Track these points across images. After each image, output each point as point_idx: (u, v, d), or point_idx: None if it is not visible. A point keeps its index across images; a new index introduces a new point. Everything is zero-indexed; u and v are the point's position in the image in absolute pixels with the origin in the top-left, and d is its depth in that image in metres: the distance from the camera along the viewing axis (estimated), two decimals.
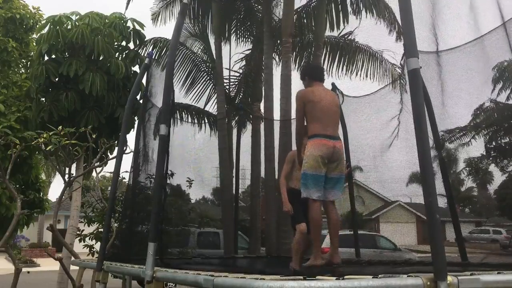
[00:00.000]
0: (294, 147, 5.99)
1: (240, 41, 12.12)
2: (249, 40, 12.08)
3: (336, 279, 2.51)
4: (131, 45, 9.63)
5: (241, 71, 12.23)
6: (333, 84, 7.28)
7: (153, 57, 6.56)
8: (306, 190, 4.02)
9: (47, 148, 6.31)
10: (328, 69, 11.07)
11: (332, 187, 4.12)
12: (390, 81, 10.54)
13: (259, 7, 11.43)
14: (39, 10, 11.58)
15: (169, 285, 9.67)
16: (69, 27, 8.81)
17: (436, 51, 4.95)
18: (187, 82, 12.00)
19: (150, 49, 11.43)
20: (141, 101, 7.97)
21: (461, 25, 4.90)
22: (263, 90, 10.46)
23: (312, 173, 3.98)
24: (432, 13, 4.66)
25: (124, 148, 6.45)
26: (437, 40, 4.84)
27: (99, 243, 8.18)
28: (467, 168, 29.55)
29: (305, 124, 4.26)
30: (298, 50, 11.41)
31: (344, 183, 6.50)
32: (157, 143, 6.28)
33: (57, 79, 8.73)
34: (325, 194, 4.08)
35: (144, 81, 6.69)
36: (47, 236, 26.68)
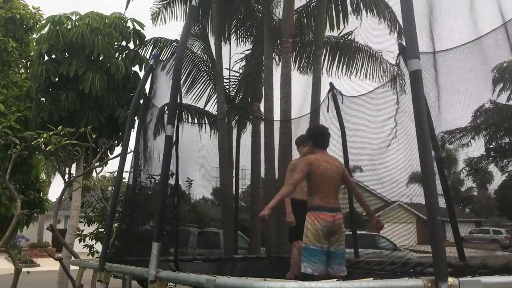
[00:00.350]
0: (294, 147, 6.00)
1: (240, 41, 12.13)
2: (249, 40, 12.08)
3: (337, 280, 2.52)
4: (131, 45, 9.63)
5: (241, 71, 12.23)
6: (331, 84, 7.30)
7: (158, 58, 6.55)
8: (308, 265, 3.89)
9: (47, 148, 6.31)
10: (328, 69, 11.09)
11: (339, 263, 3.99)
12: (387, 80, 10.54)
13: (259, 7, 11.43)
14: (39, 10, 11.58)
15: (169, 285, 9.68)
16: (69, 27, 8.81)
17: (433, 51, 4.95)
18: (187, 82, 12.00)
19: (150, 49, 11.44)
20: (141, 101, 7.98)
21: (459, 25, 4.91)
22: (263, 90, 10.47)
23: (313, 247, 3.89)
24: (429, 15, 4.66)
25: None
26: (434, 41, 4.84)
27: (99, 243, 8.20)
28: (467, 168, 29.58)
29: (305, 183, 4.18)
30: (298, 50, 11.42)
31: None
32: (157, 143, 6.31)
33: (57, 79, 8.73)
34: (334, 270, 3.94)
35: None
36: (47, 236, 26.68)
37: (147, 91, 6.72)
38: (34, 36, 10.87)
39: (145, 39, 10.25)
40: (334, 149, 6.88)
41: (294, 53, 11.03)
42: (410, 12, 2.77)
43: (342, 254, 4.01)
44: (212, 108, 11.84)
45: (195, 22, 11.80)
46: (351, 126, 7.02)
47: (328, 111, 7.13)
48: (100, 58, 8.90)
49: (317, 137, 4.36)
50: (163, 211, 4.08)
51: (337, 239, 3.97)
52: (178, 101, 5.10)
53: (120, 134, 9.06)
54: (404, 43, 4.09)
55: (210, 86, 12.03)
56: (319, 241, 3.88)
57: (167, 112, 5.84)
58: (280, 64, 9.68)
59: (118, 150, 9.12)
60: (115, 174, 6.60)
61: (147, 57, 10.54)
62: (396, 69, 10.76)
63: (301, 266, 4.13)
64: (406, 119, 5.79)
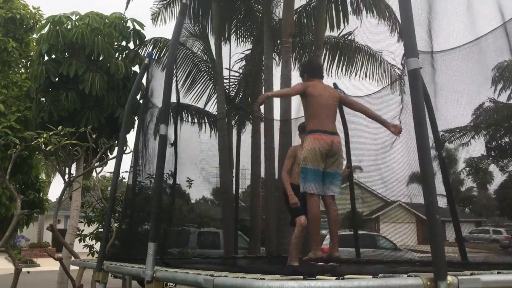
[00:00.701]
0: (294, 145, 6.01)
1: (240, 41, 12.13)
2: (249, 40, 12.08)
3: (336, 279, 2.51)
4: (131, 45, 9.64)
5: (241, 71, 12.24)
6: (334, 84, 7.29)
7: (152, 57, 6.55)
8: (305, 184, 4.09)
9: (47, 148, 6.30)
10: (328, 69, 11.08)
11: (330, 182, 4.18)
12: (390, 81, 10.55)
13: (259, 7, 11.43)
14: (39, 10, 11.59)
15: (169, 285, 9.68)
16: (69, 27, 8.82)
17: (431, 51, 4.96)
18: (187, 82, 12.00)
19: (150, 49, 11.44)
20: (141, 101, 7.98)
21: (458, 26, 4.91)
22: (263, 90, 10.46)
23: (311, 167, 4.05)
24: (428, 14, 4.67)
25: (124, 148, 6.45)
26: (432, 41, 4.85)
27: (99, 243, 8.20)
28: (467, 168, 29.56)
29: (304, 117, 4.37)
30: (298, 50, 11.41)
31: (344, 183, 6.53)
32: (155, 143, 6.31)
33: (57, 79, 8.73)
34: (324, 189, 4.14)
35: (144, 81, 6.69)
36: (47, 236, 26.68)
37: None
38: (34, 36, 10.88)
39: (145, 39, 10.26)
40: None
41: (294, 53, 11.04)
42: (408, 11, 2.77)
43: (337, 176, 4.21)
44: (212, 108, 11.85)
45: (194, 22, 11.81)
46: (354, 126, 7.02)
47: None
48: (100, 58, 8.91)
49: (312, 68, 4.70)
50: (159, 212, 4.08)
51: (334, 161, 4.15)
52: (176, 101, 5.10)
53: (120, 134, 9.05)
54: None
55: (210, 86, 12.03)
56: (317, 161, 4.05)
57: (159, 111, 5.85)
58: (280, 64, 9.68)
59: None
60: (113, 173, 6.60)
61: None
62: (396, 70, 10.79)
63: (298, 252, 4.23)
64: (410, 119, 5.79)
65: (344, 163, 5.99)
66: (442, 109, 5.37)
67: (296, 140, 7.59)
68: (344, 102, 4.60)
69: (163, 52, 11.59)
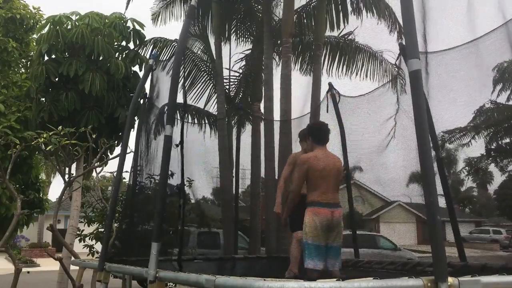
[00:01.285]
0: (294, 148, 6.01)
1: (240, 41, 12.13)
2: (249, 40, 12.08)
3: (336, 280, 2.52)
4: (131, 45, 9.63)
5: (241, 71, 12.23)
6: (330, 84, 7.30)
7: (157, 58, 6.56)
8: (310, 261, 3.93)
9: (47, 148, 6.31)
10: (328, 69, 11.08)
11: (333, 257, 4.04)
12: (387, 81, 10.54)
13: (259, 7, 11.43)
14: (39, 10, 11.58)
15: (169, 285, 9.67)
16: (69, 27, 8.81)
17: (425, 51, 4.95)
18: (187, 82, 11.99)
19: (150, 49, 11.44)
20: (141, 102, 7.97)
21: (458, 26, 4.91)
22: (263, 90, 10.46)
23: (313, 243, 3.94)
24: (423, 16, 4.66)
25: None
26: (426, 42, 4.84)
27: (99, 243, 8.20)
28: (467, 168, 29.57)
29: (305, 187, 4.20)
30: (298, 50, 11.41)
31: (342, 184, 6.53)
32: (158, 143, 6.31)
33: (57, 79, 8.73)
34: (328, 263, 4.00)
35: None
36: (47, 236, 26.68)
37: (147, 90, 6.73)
38: (34, 36, 10.88)
39: (145, 39, 10.25)
40: (333, 149, 6.90)
41: (294, 53, 11.04)
42: (409, 12, 2.77)
43: (338, 249, 4.08)
44: (212, 108, 11.85)
45: (194, 22, 11.81)
46: (351, 126, 7.02)
47: (327, 111, 7.13)
48: (100, 58, 8.91)
49: (316, 133, 4.40)
50: (163, 212, 4.08)
51: (336, 235, 4.02)
52: (183, 102, 5.11)
53: (120, 134, 9.06)
54: (404, 43, 4.10)
55: (210, 86, 12.03)
56: (318, 237, 3.93)
57: (166, 112, 5.84)
58: (280, 64, 9.68)
59: (118, 150, 9.12)
60: (115, 174, 6.61)
61: (147, 57, 10.54)
62: (396, 69, 10.79)
63: (299, 262, 4.19)
64: (406, 119, 5.80)
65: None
66: (442, 109, 5.37)
67: (295, 139, 7.60)
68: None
69: (163, 52, 11.59)
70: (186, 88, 11.97)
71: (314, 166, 4.07)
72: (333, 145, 6.88)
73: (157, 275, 3.67)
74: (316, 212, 3.97)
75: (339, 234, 4.04)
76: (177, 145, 4.42)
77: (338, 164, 4.26)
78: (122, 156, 5.86)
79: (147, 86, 6.60)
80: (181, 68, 11.41)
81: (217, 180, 10.11)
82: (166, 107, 6.09)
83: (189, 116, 11.53)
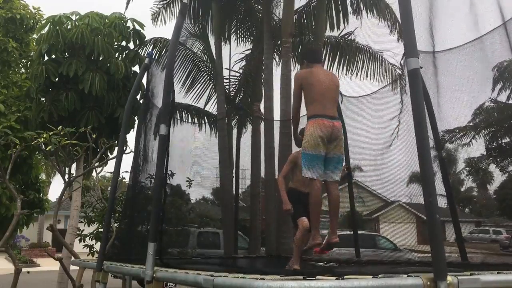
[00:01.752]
0: (294, 147, 6.01)
1: (240, 41, 12.13)
2: (249, 40, 12.08)
3: (336, 279, 2.52)
4: (131, 45, 9.63)
5: (241, 71, 12.23)
6: None
7: (153, 57, 6.56)
8: (307, 170, 4.07)
9: (47, 148, 6.30)
10: (328, 69, 11.06)
11: (333, 168, 4.17)
12: (390, 81, 10.54)
13: (259, 7, 11.43)
14: (39, 10, 11.59)
15: (169, 285, 9.68)
16: (69, 27, 8.81)
17: (433, 51, 4.96)
18: (187, 82, 12.00)
19: (150, 49, 11.44)
20: (141, 101, 7.98)
21: (460, 25, 4.91)
22: (263, 90, 10.46)
23: (312, 153, 4.05)
24: (429, 14, 4.67)
25: (124, 148, 6.45)
26: (434, 41, 4.85)
27: (99, 243, 8.20)
28: (467, 168, 29.57)
29: (304, 103, 4.36)
30: (298, 50, 11.41)
31: (344, 184, 6.53)
32: (157, 143, 6.31)
33: (57, 79, 8.73)
34: (326, 174, 4.14)
35: (144, 81, 6.69)
36: (47, 236, 26.68)
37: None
38: (34, 36, 10.88)
39: (145, 39, 10.25)
40: None
41: (294, 53, 11.04)
42: (408, 11, 2.77)
43: (338, 159, 4.20)
44: (212, 108, 11.85)
45: (194, 22, 11.82)
46: (353, 126, 7.03)
47: None
48: (100, 58, 8.91)
49: (311, 53, 4.64)
50: (159, 212, 4.08)
51: (335, 146, 4.13)
52: (171, 101, 5.10)
53: (120, 134, 9.05)
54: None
55: (210, 86, 12.03)
56: (318, 147, 4.03)
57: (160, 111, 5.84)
58: (280, 64, 9.67)
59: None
60: (113, 173, 6.60)
61: None
62: (397, 69, 10.79)
63: (302, 249, 4.29)
64: (409, 119, 5.80)
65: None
66: (442, 109, 5.37)
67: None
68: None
69: (163, 52, 11.59)
70: (186, 87, 11.99)
71: (310, 80, 4.23)
72: None
73: (154, 275, 3.66)
74: (318, 122, 4.07)
75: (339, 145, 4.17)
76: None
77: (335, 80, 4.45)
78: (119, 155, 5.86)
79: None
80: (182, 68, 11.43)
81: (217, 180, 10.11)
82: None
83: (189, 116, 11.54)
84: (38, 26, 10.26)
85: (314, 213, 4.18)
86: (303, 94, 4.32)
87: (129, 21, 9.51)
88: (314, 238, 4.21)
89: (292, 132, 4.80)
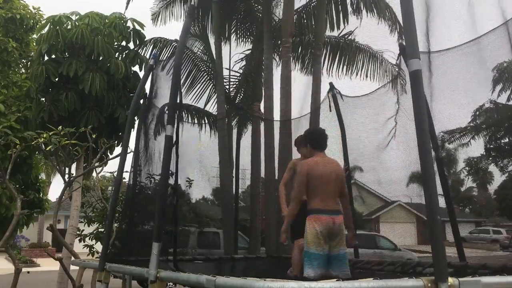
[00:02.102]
0: (294, 148, 6.01)
1: (240, 41, 12.14)
2: (249, 40, 12.08)
3: (336, 280, 2.52)
4: (131, 45, 9.62)
5: (241, 71, 12.24)
6: (330, 84, 7.31)
7: (157, 58, 6.57)
8: (310, 270, 3.86)
9: (47, 148, 6.31)
10: (328, 69, 11.09)
11: (339, 265, 3.95)
12: (388, 81, 10.54)
13: (259, 7, 11.43)
14: (39, 10, 11.58)
15: (169, 285, 9.67)
16: (69, 27, 8.81)
17: (428, 51, 4.95)
18: (187, 82, 12.00)
19: (150, 49, 11.45)
20: (141, 101, 7.97)
21: (458, 26, 4.91)
22: (263, 90, 10.46)
23: (313, 251, 3.87)
24: (426, 15, 4.66)
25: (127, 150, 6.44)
26: (429, 41, 4.85)
27: (99, 243, 8.20)
28: (467, 168, 29.58)
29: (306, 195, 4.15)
30: (300, 50, 11.41)
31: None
32: (157, 144, 6.31)
33: (57, 79, 8.72)
34: (336, 273, 3.88)
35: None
36: (47, 236, 26.67)
37: (147, 91, 6.73)
38: (34, 36, 10.87)
39: (145, 39, 10.24)
40: (334, 149, 6.91)
41: (296, 53, 11.06)
42: (409, 12, 2.78)
43: (343, 256, 3.96)
44: (212, 108, 11.85)
45: (194, 22, 11.81)
46: (351, 126, 7.03)
47: (330, 111, 7.14)
48: (100, 58, 8.90)
49: (315, 138, 4.35)
50: (163, 211, 4.08)
51: (338, 242, 3.92)
52: (178, 101, 5.12)
53: (120, 134, 9.06)
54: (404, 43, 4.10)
55: (210, 86, 12.03)
56: (319, 245, 3.85)
57: (167, 112, 5.84)
58: (280, 64, 9.68)
59: (118, 150, 9.12)
60: (115, 174, 6.61)
61: (147, 57, 10.53)
62: (396, 69, 10.79)
63: (301, 266, 4.13)
64: (406, 119, 5.80)
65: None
66: (441, 110, 5.37)
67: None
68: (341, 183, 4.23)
69: (163, 52, 11.60)
70: (186, 87, 11.99)
71: (314, 172, 4.01)
72: (334, 145, 6.91)
73: (158, 275, 3.67)
74: (317, 219, 3.91)
75: (342, 241, 3.96)
76: (172, 145, 4.41)
77: (338, 170, 4.19)
78: (122, 156, 5.87)
79: (147, 86, 6.60)
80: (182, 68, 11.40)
81: (217, 180, 10.11)
82: (166, 107, 6.09)
83: (189, 116, 11.54)
84: (38, 26, 10.26)
85: None
86: (307, 186, 4.08)
87: (129, 21, 9.51)
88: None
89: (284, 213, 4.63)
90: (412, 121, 2.70)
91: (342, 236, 3.97)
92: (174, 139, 4.47)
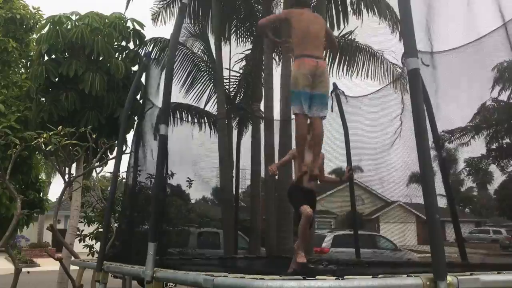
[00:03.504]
0: (294, 147, 6.01)
1: (240, 41, 12.12)
2: (249, 40, 12.08)
3: (336, 278, 2.52)
4: (131, 45, 9.62)
5: (241, 71, 12.23)
6: (334, 84, 7.30)
7: (151, 57, 6.58)
8: (294, 106, 4.31)
9: (47, 148, 6.31)
10: (328, 69, 11.06)
11: (319, 104, 4.37)
12: (391, 81, 10.54)
13: (259, 7, 11.43)
14: (39, 10, 11.58)
15: (169, 285, 9.67)
16: (69, 27, 8.81)
17: (430, 51, 4.95)
18: (187, 82, 11.99)
19: (150, 49, 11.44)
20: (140, 101, 7.97)
21: (458, 26, 4.92)
22: (263, 90, 10.46)
23: (300, 90, 4.27)
24: (427, 15, 4.67)
25: (124, 148, 6.45)
26: (431, 41, 4.86)
27: (99, 243, 8.20)
28: (467, 168, 29.57)
29: (292, 43, 4.57)
30: None
31: (344, 183, 6.52)
32: (156, 143, 6.31)
33: (57, 79, 8.73)
34: (313, 111, 4.34)
35: (143, 80, 6.68)
36: (47, 236, 26.67)
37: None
38: (34, 36, 10.87)
39: (145, 39, 10.24)
40: (337, 149, 6.91)
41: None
42: (408, 11, 2.78)
43: (324, 96, 4.43)
44: (212, 108, 11.84)
45: (186, 20, 11.80)
46: (354, 126, 7.02)
47: (331, 111, 7.13)
48: (100, 58, 8.90)
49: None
50: (159, 212, 4.08)
51: (321, 82, 4.36)
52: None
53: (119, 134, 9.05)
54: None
55: (210, 86, 12.02)
56: (304, 84, 4.26)
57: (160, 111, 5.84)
58: (280, 64, 9.67)
59: None
60: (112, 173, 6.60)
61: None
62: (398, 69, 10.78)
63: (307, 240, 4.41)
64: (409, 119, 5.79)
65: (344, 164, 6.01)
66: (442, 109, 5.37)
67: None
68: (326, 34, 4.77)
69: (163, 52, 11.58)
70: (186, 87, 11.98)
71: (298, 20, 4.46)
72: (337, 145, 6.91)
73: (154, 275, 3.66)
74: (303, 62, 4.31)
75: (324, 82, 4.40)
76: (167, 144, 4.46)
77: (322, 23, 4.70)
78: (118, 154, 5.86)
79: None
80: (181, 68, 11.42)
81: (217, 180, 10.11)
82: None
83: (189, 116, 11.53)
84: (38, 26, 10.25)
85: (300, 151, 4.41)
86: (292, 32, 4.51)
87: (129, 21, 9.50)
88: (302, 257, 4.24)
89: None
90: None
91: (325, 78, 4.41)
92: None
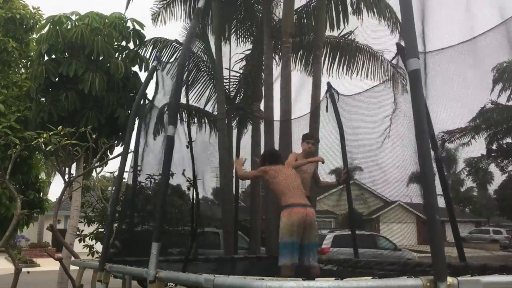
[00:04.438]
0: (294, 147, 6.03)
1: (240, 41, 12.13)
2: (249, 40, 12.08)
3: (335, 279, 2.52)
4: (131, 45, 9.62)
5: (241, 71, 12.23)
6: (328, 84, 7.32)
7: (161, 60, 6.58)
8: (282, 258, 4.19)
9: (47, 148, 6.31)
10: (328, 69, 11.10)
11: (308, 254, 4.31)
12: (391, 81, 10.53)
13: (259, 7, 11.43)
14: (39, 10, 11.57)
15: (170, 285, 9.66)
16: (69, 27, 8.80)
17: (424, 51, 4.95)
18: (188, 82, 11.98)
19: (150, 49, 11.45)
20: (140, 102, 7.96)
21: (455, 25, 4.92)
22: (263, 90, 10.46)
23: (287, 241, 4.20)
24: (422, 14, 4.66)
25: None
26: (424, 41, 4.85)
27: (99, 243, 8.20)
28: (467, 168, 29.58)
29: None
30: (300, 50, 11.41)
31: (341, 185, 6.55)
32: (156, 143, 6.31)
33: (57, 79, 8.72)
34: (304, 261, 4.27)
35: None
36: (47, 236, 26.68)
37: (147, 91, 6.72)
38: (34, 36, 10.86)
39: (145, 39, 10.24)
40: (333, 148, 6.92)
41: (296, 53, 11.05)
42: (409, 12, 2.78)
43: (314, 247, 4.38)
44: (212, 108, 11.84)
45: (186, 20, 11.82)
46: (349, 125, 7.02)
47: (327, 111, 7.14)
48: (100, 58, 8.90)
49: (270, 157, 4.93)
50: (164, 212, 4.08)
51: (310, 233, 4.29)
52: (186, 102, 5.19)
53: (120, 134, 9.06)
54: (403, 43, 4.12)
55: (210, 86, 12.03)
56: (292, 235, 4.19)
57: (167, 112, 5.84)
58: (280, 64, 9.67)
59: (118, 150, 9.13)
60: (115, 174, 6.61)
61: (147, 57, 10.54)
62: (398, 69, 10.77)
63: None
64: (403, 119, 5.80)
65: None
66: (441, 110, 5.37)
67: (295, 139, 7.59)
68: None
69: (163, 52, 11.60)
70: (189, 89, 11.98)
71: (273, 174, 4.58)
72: (333, 145, 6.91)
73: (157, 275, 3.67)
74: (292, 211, 4.26)
75: (313, 232, 4.34)
76: (187, 146, 4.54)
77: (293, 172, 4.72)
78: (123, 158, 5.87)
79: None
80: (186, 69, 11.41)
81: (217, 180, 10.11)
82: (166, 108, 6.09)
83: (195, 117, 11.55)
84: (38, 26, 10.25)
85: None
86: (272, 185, 4.57)
87: (129, 21, 9.50)
88: None
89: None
90: (410, 120, 2.71)
91: (313, 227, 4.33)
92: (188, 139, 4.55)
